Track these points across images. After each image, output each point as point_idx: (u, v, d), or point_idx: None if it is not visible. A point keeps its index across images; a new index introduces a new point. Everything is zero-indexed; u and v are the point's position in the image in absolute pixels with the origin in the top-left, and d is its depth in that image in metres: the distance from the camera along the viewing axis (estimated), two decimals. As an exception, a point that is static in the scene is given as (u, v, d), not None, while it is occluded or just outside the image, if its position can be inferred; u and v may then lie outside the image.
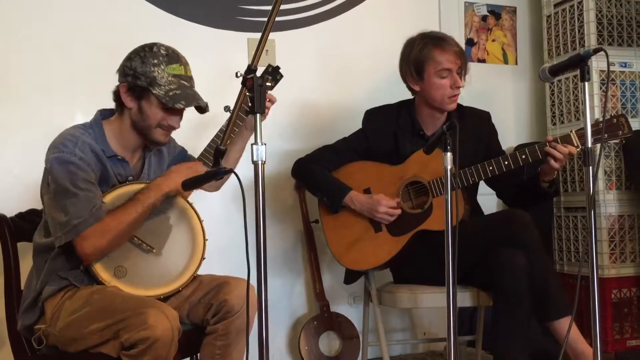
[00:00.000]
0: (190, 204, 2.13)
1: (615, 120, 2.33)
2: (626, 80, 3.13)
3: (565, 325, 2.23)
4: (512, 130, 3.55)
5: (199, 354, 2.10)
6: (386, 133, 2.61)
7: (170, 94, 1.98)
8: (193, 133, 2.65)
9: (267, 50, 2.97)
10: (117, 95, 2.05)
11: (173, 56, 2.02)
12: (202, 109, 2.07)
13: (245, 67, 1.53)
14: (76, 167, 1.92)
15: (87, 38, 2.77)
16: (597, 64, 3.04)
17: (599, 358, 1.85)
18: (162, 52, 2.01)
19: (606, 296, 2.97)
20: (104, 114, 2.10)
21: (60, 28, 2.74)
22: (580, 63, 1.88)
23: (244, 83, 1.53)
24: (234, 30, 3.04)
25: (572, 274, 3.16)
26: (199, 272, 2.09)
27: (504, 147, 2.72)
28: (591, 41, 3.10)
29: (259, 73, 1.52)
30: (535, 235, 2.35)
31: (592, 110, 3.00)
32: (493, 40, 3.59)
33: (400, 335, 3.35)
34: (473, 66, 3.23)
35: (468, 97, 2.63)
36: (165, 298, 2.01)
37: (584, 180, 1.97)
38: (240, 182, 1.55)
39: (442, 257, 1.83)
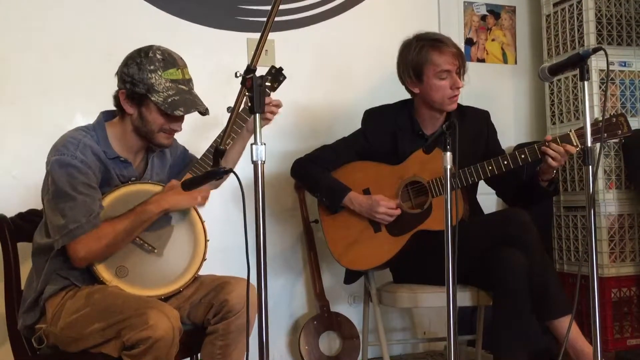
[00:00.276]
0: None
1: (614, 119, 2.33)
2: (625, 80, 3.13)
3: (565, 324, 2.23)
4: (511, 130, 3.55)
5: (199, 354, 2.10)
6: (386, 133, 2.61)
7: (169, 100, 1.97)
8: (195, 133, 2.65)
9: (266, 50, 2.97)
10: (117, 100, 2.05)
11: (169, 60, 2.01)
12: (202, 112, 2.07)
13: (244, 67, 1.53)
14: (77, 170, 1.93)
15: (87, 39, 2.77)
16: (596, 63, 3.04)
17: (599, 357, 1.85)
18: (158, 56, 1.99)
19: (606, 295, 2.97)
20: (106, 116, 2.10)
21: (60, 29, 2.74)
22: (579, 62, 1.88)
23: (243, 83, 1.53)
24: (234, 30, 3.04)
25: (572, 273, 3.16)
26: (200, 273, 2.10)
27: (503, 147, 2.72)
28: (590, 40, 3.10)
29: (260, 74, 1.52)
30: (535, 234, 2.35)
31: (592, 110, 3.00)
32: (492, 40, 3.59)
33: (400, 334, 3.35)
34: (472, 66, 3.23)
35: (467, 96, 2.63)
36: (166, 298, 2.01)
37: (584, 179, 1.97)
38: (240, 182, 1.55)
39: (441, 256, 1.83)
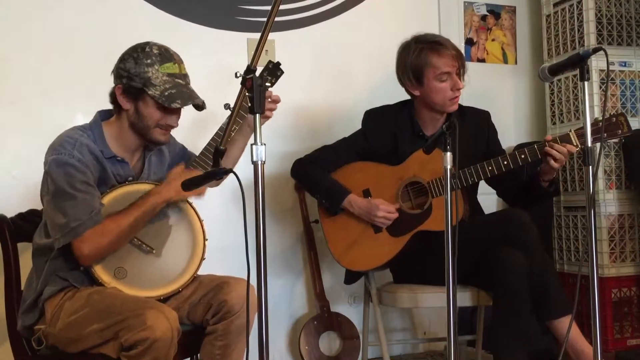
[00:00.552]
0: (190, 204, 2.13)
1: (614, 119, 2.33)
2: (626, 80, 3.13)
3: (566, 324, 2.23)
4: (511, 130, 3.55)
5: (199, 354, 2.10)
6: (386, 133, 2.61)
7: (166, 93, 1.97)
8: (193, 131, 2.65)
9: (266, 50, 2.97)
10: (113, 97, 2.05)
11: (166, 55, 2.02)
12: (199, 106, 2.07)
13: (244, 67, 1.53)
14: (74, 168, 1.92)
15: (86, 39, 2.77)
16: (596, 63, 3.03)
17: (599, 357, 1.85)
18: (155, 51, 2.00)
19: (606, 295, 2.97)
20: (103, 115, 2.10)
21: (60, 29, 2.74)
22: (579, 62, 1.88)
23: (243, 83, 1.52)
24: (234, 30, 3.04)
25: (572, 273, 3.16)
26: (199, 273, 2.09)
27: (503, 147, 2.71)
28: (591, 40, 3.10)
29: (258, 72, 1.52)
30: (535, 234, 2.35)
31: (592, 110, 3.00)
32: (492, 40, 3.59)
33: (400, 335, 3.35)
34: (472, 66, 3.23)
35: (467, 96, 2.63)
36: (165, 299, 2.01)
37: (584, 179, 1.97)
38: (240, 182, 1.55)
39: (441, 257, 1.83)
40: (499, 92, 3.57)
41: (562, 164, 2.34)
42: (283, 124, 3.05)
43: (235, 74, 2.15)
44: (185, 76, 2.05)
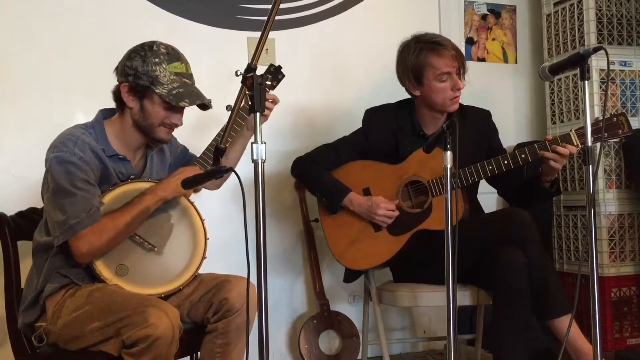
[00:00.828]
0: (192, 203, 2.13)
1: (615, 119, 2.33)
2: (626, 79, 3.13)
3: (565, 324, 2.23)
4: (511, 129, 3.55)
5: (199, 352, 2.10)
6: (386, 132, 2.61)
7: (174, 92, 1.98)
8: (195, 132, 2.65)
9: (267, 49, 2.97)
10: (117, 95, 2.05)
11: (174, 54, 2.03)
12: (205, 106, 2.07)
13: (245, 66, 1.53)
14: (75, 167, 1.93)
15: (87, 37, 2.77)
16: (597, 62, 3.04)
17: (599, 356, 1.85)
18: (163, 50, 2.01)
19: (606, 295, 2.97)
20: (105, 114, 2.10)
21: (60, 27, 2.74)
22: (580, 62, 1.88)
23: (243, 82, 1.53)
24: (234, 29, 3.03)
25: (572, 272, 3.16)
26: (200, 271, 2.10)
27: (503, 146, 2.71)
28: (591, 40, 3.10)
29: (260, 72, 1.52)
30: (535, 233, 2.35)
31: (592, 109, 3.00)
32: (493, 39, 3.59)
33: (400, 334, 3.35)
34: (473, 65, 3.23)
35: (468, 96, 2.63)
36: (166, 297, 2.01)
37: (584, 179, 1.97)
38: (240, 181, 1.55)
39: (441, 256, 1.83)
40: (499, 92, 3.57)
41: (563, 164, 2.34)
42: (283, 122, 3.05)
43: (236, 72, 2.16)
44: (191, 76, 2.06)
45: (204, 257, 2.09)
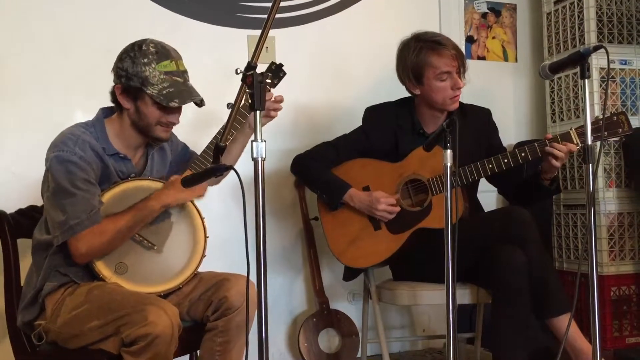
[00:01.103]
0: (192, 201, 2.13)
1: (615, 117, 2.33)
2: (626, 78, 3.13)
3: (565, 323, 2.23)
4: (511, 128, 3.55)
5: (199, 351, 2.10)
6: (386, 131, 2.61)
7: (164, 92, 1.97)
8: (195, 130, 2.65)
9: (267, 47, 2.97)
10: (114, 96, 2.05)
11: (163, 52, 2.01)
12: (199, 102, 2.06)
13: (245, 64, 1.53)
14: (76, 166, 1.92)
15: (86, 36, 2.76)
16: (597, 61, 3.03)
17: (598, 355, 1.85)
18: (152, 49, 1.99)
19: (605, 294, 2.97)
20: (105, 112, 2.10)
21: (59, 26, 2.73)
22: (580, 60, 1.88)
23: (243, 80, 1.52)
24: (234, 27, 3.03)
25: (572, 271, 3.16)
26: (199, 269, 2.09)
27: (503, 145, 2.71)
28: (591, 39, 3.09)
29: (260, 71, 1.52)
30: (535, 232, 2.35)
31: (592, 108, 3.00)
32: (493, 38, 3.59)
33: (399, 332, 3.35)
34: (473, 63, 3.23)
35: (468, 94, 2.63)
36: (165, 295, 2.01)
37: (584, 177, 1.96)
38: (240, 179, 1.55)
39: (441, 254, 1.83)
40: (499, 90, 3.57)
41: (563, 162, 2.34)
42: (283, 121, 3.03)
43: (236, 70, 2.15)
44: (183, 73, 2.04)
45: (203, 256, 2.09)
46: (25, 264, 2.12)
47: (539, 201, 2.54)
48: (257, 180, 1.47)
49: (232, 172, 1.57)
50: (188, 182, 1.73)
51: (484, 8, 3.56)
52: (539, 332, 2.44)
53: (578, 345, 2.27)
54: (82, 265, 1.97)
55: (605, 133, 2.31)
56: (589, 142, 1.88)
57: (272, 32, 2.93)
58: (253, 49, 1.57)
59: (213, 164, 1.63)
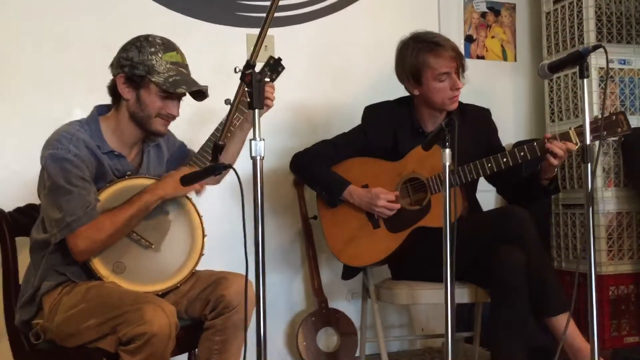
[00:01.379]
0: (190, 199, 2.13)
1: (614, 117, 2.32)
2: (625, 78, 3.13)
3: (563, 322, 2.23)
4: (510, 127, 3.55)
5: (197, 350, 2.10)
6: (385, 130, 2.61)
7: (170, 80, 1.98)
8: (192, 127, 2.65)
9: (266, 46, 2.97)
10: (113, 88, 2.04)
11: (169, 44, 2.03)
12: (202, 94, 2.06)
13: (244, 63, 1.53)
14: (71, 164, 1.92)
15: (84, 33, 2.76)
16: (596, 61, 3.03)
17: (596, 355, 1.85)
18: (158, 41, 2.02)
19: (604, 293, 2.98)
20: (100, 110, 2.10)
21: (58, 23, 2.73)
22: (579, 60, 1.88)
23: (242, 78, 1.52)
24: (233, 25, 3.03)
25: (570, 271, 3.17)
26: (197, 268, 2.09)
27: (502, 144, 2.71)
28: (590, 38, 3.09)
29: (259, 68, 1.52)
30: (534, 232, 2.35)
31: (591, 108, 3.00)
32: (492, 37, 3.59)
33: (398, 331, 3.36)
34: (472, 63, 3.23)
35: (467, 94, 2.62)
36: (163, 294, 2.01)
37: (583, 177, 1.97)
38: (239, 177, 1.55)
39: (440, 253, 1.83)
40: (498, 90, 3.57)
41: (561, 161, 2.34)
42: (282, 119, 3.05)
43: (235, 69, 2.15)
44: (187, 66, 2.07)
45: (201, 254, 2.09)
46: (24, 262, 2.12)
47: (537, 201, 2.53)
48: (256, 178, 1.47)
49: (231, 170, 1.57)
50: (186, 181, 1.73)
51: (483, 7, 3.56)
52: (537, 331, 2.44)
53: (576, 345, 2.27)
54: (80, 264, 1.97)
55: (604, 132, 2.31)
56: (588, 142, 1.88)
57: (271, 31, 2.93)
58: (252, 48, 1.57)
59: (212, 163, 1.63)
